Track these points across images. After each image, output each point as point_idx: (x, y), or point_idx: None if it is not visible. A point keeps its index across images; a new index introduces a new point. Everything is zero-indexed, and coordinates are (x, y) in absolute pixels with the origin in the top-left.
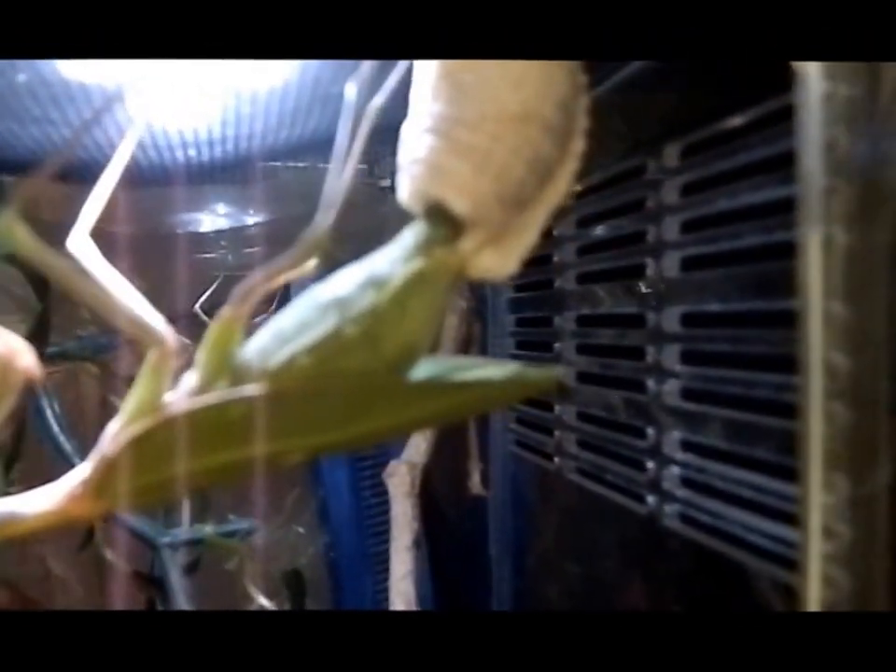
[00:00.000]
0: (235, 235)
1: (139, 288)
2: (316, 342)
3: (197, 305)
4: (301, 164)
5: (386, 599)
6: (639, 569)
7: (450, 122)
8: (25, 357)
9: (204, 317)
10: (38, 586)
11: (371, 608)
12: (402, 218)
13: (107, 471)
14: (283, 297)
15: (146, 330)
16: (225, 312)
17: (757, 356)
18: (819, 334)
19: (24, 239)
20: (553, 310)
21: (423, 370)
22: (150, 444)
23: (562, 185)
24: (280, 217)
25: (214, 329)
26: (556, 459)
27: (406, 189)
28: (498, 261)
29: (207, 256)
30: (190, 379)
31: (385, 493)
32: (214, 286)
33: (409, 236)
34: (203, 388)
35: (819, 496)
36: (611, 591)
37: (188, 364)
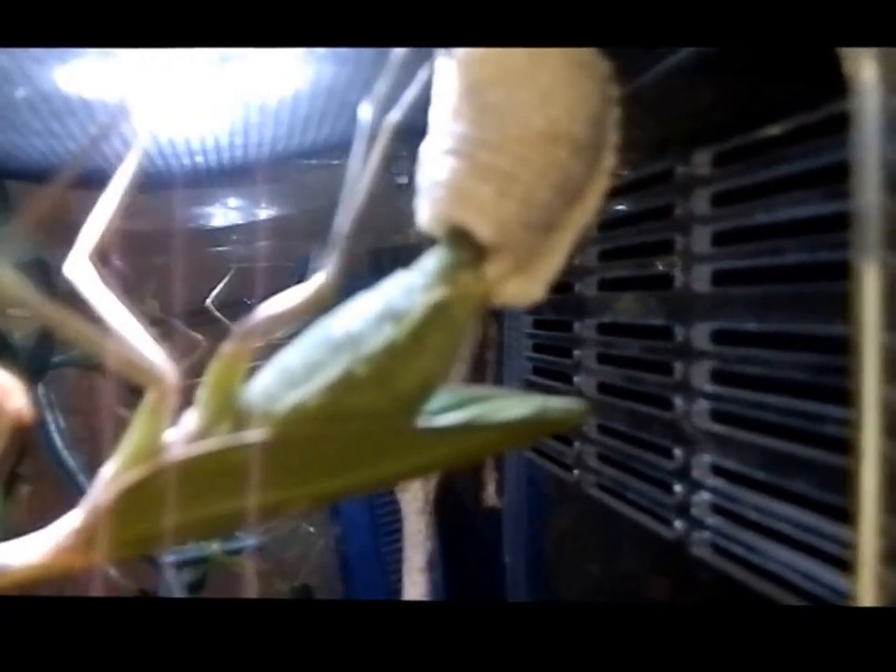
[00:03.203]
0: (246, 229)
1: (146, 287)
2: (327, 384)
3: (209, 300)
4: (311, 161)
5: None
6: (660, 585)
7: (472, 143)
8: (16, 397)
9: (216, 313)
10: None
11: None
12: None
13: (100, 521)
14: None
15: (143, 368)
16: (226, 349)
17: (797, 382)
18: (875, 367)
19: (8, 281)
20: (573, 315)
21: (437, 402)
22: (147, 493)
23: (591, 204)
24: (290, 213)
25: (215, 367)
26: (576, 472)
27: (426, 213)
28: (524, 288)
29: (218, 249)
30: (191, 420)
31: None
32: (224, 280)
33: (429, 262)
34: (204, 431)
35: (872, 541)
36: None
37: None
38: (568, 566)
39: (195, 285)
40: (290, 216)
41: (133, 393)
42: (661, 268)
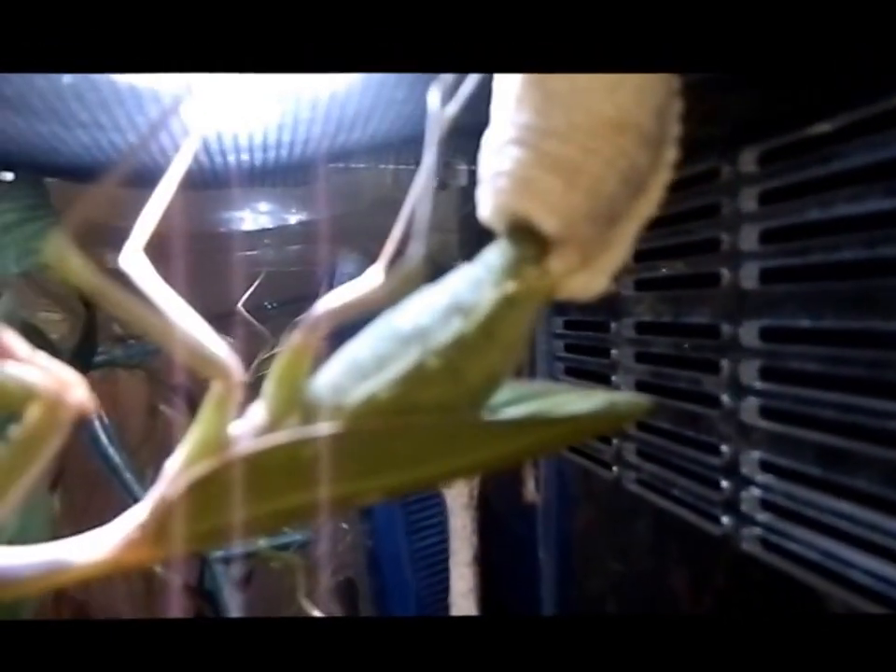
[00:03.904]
0: (278, 232)
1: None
2: (398, 376)
3: (240, 303)
4: (339, 165)
5: (433, 601)
6: (702, 581)
7: (538, 133)
8: (78, 390)
9: (247, 315)
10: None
11: (414, 606)
12: (442, 218)
13: (167, 515)
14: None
15: (208, 360)
16: (294, 340)
17: (855, 378)
18: None
19: (77, 267)
20: (610, 315)
21: (500, 397)
22: (215, 487)
23: (654, 196)
24: (319, 217)
25: (282, 358)
26: (615, 468)
27: (489, 204)
28: (588, 281)
29: (249, 253)
30: (258, 413)
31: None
32: (256, 283)
33: (493, 256)
34: (272, 425)
35: None
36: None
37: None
38: (604, 562)
39: (224, 288)
40: (319, 220)
41: (173, 391)
42: (705, 267)
